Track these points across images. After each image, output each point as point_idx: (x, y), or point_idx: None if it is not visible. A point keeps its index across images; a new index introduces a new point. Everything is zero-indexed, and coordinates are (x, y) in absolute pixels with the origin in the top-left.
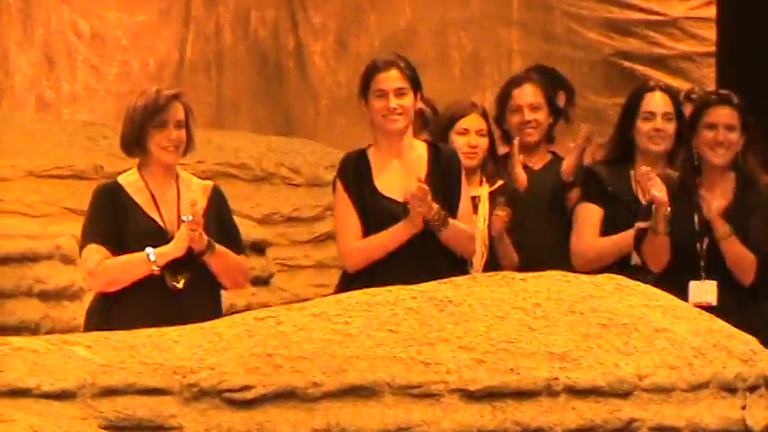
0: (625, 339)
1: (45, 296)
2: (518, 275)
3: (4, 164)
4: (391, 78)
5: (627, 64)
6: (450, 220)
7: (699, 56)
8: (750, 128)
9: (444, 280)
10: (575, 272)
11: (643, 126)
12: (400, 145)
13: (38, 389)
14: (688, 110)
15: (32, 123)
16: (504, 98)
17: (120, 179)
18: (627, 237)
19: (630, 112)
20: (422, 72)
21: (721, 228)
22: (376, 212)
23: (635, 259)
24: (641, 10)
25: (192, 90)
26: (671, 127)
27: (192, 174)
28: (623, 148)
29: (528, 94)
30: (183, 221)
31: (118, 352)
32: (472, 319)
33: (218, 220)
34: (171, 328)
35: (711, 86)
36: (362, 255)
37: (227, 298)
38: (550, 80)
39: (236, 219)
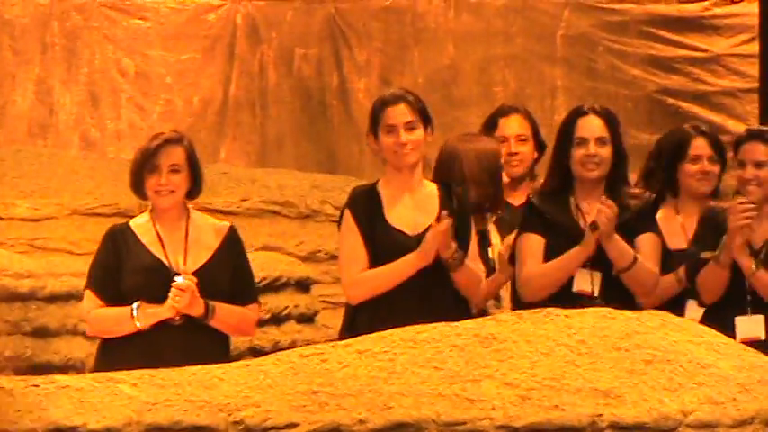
0: (669, 375)
1: None
2: (562, 312)
3: (50, 202)
4: (400, 113)
5: (670, 100)
6: (466, 261)
7: (741, 92)
8: None
9: (488, 317)
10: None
11: (576, 152)
12: (411, 180)
13: (84, 427)
14: None
15: (77, 162)
16: (489, 126)
17: (132, 221)
18: (567, 258)
19: (564, 138)
20: (465, 109)
21: (746, 263)
22: (386, 245)
23: (577, 286)
24: (684, 47)
25: (236, 128)
26: (605, 151)
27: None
28: (561, 176)
29: (515, 125)
30: (174, 282)
31: (163, 390)
32: (517, 355)
33: (232, 264)
34: (215, 366)
35: (754, 123)
36: (367, 286)
37: (271, 335)
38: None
39: (281, 256)
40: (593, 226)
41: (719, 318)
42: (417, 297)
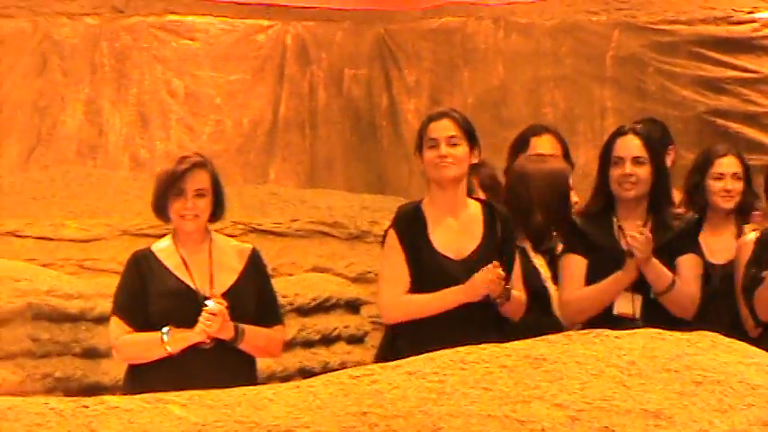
0: (719, 397)
1: None
2: (612, 333)
3: (99, 223)
4: (443, 127)
5: (720, 121)
6: (512, 293)
7: None
8: None
9: (538, 338)
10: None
11: (614, 172)
12: (455, 199)
13: None
14: None
15: (126, 182)
16: (521, 144)
17: (154, 246)
18: (608, 283)
19: (604, 160)
20: (515, 129)
21: None
22: (430, 269)
23: (617, 309)
24: (734, 67)
25: (285, 148)
26: (643, 171)
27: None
28: (603, 197)
29: (547, 144)
30: (205, 307)
31: (213, 411)
32: (567, 376)
33: (257, 286)
34: (265, 387)
35: None
36: (407, 310)
37: (321, 355)
38: (663, 134)
39: (331, 277)
40: (631, 252)
41: None
42: (460, 320)
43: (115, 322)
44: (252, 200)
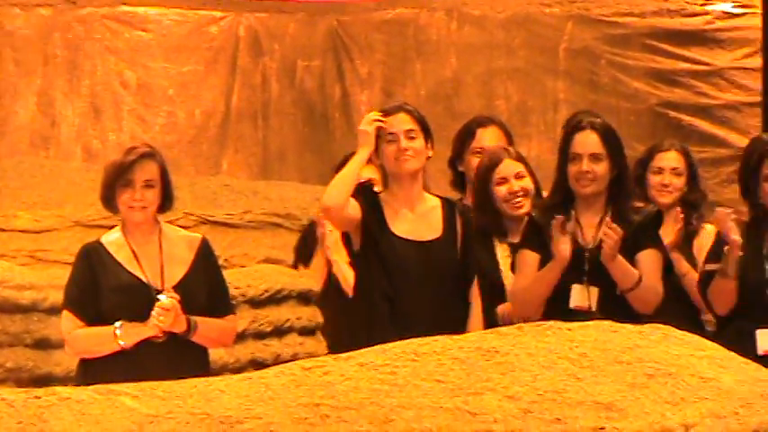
0: (671, 389)
1: None
2: (564, 325)
3: (51, 214)
4: (401, 120)
5: (672, 114)
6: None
7: (744, 105)
8: None
9: (490, 330)
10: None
11: (571, 168)
12: (412, 192)
13: None
14: None
15: (79, 173)
16: (466, 135)
17: (103, 238)
18: (543, 272)
19: (562, 153)
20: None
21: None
22: (390, 255)
23: (573, 303)
24: (687, 60)
25: (238, 140)
26: (600, 167)
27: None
28: (562, 192)
29: (492, 135)
30: (158, 301)
31: (165, 402)
32: (518, 368)
33: (208, 276)
34: (217, 378)
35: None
36: None
37: (273, 347)
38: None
39: (283, 269)
40: (554, 236)
41: (740, 329)
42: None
43: (66, 316)
44: (204, 191)
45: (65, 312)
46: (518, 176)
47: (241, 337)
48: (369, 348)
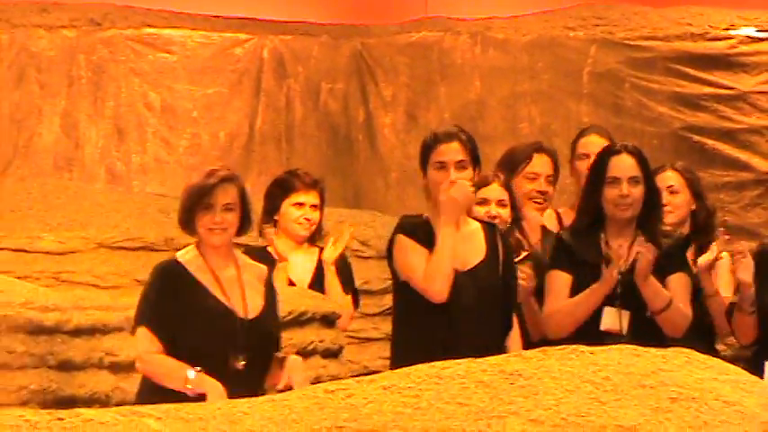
0: (695, 413)
1: (115, 368)
2: (587, 349)
3: (75, 236)
4: (453, 151)
5: (696, 137)
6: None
7: (767, 129)
8: None
9: (514, 353)
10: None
11: (609, 192)
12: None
13: None
14: None
15: (102, 195)
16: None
17: (179, 256)
18: (585, 295)
19: (596, 177)
20: (491, 144)
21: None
22: None
23: (604, 325)
24: (710, 84)
25: (261, 162)
26: (638, 191)
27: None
28: (592, 214)
29: (547, 166)
30: (282, 358)
31: (188, 424)
32: (542, 392)
33: (274, 309)
34: (241, 400)
35: None
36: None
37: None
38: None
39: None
40: (608, 262)
41: (747, 359)
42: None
43: (144, 334)
44: None
45: (141, 329)
46: (500, 204)
47: None
48: (392, 371)
